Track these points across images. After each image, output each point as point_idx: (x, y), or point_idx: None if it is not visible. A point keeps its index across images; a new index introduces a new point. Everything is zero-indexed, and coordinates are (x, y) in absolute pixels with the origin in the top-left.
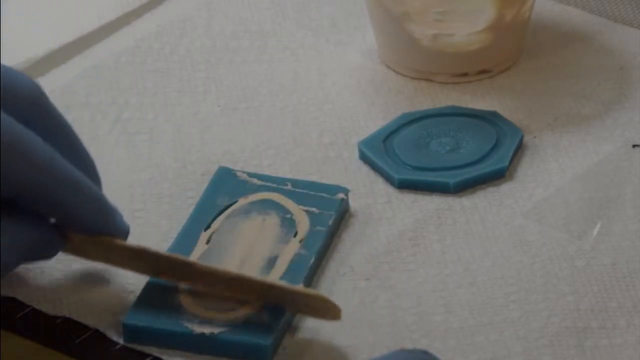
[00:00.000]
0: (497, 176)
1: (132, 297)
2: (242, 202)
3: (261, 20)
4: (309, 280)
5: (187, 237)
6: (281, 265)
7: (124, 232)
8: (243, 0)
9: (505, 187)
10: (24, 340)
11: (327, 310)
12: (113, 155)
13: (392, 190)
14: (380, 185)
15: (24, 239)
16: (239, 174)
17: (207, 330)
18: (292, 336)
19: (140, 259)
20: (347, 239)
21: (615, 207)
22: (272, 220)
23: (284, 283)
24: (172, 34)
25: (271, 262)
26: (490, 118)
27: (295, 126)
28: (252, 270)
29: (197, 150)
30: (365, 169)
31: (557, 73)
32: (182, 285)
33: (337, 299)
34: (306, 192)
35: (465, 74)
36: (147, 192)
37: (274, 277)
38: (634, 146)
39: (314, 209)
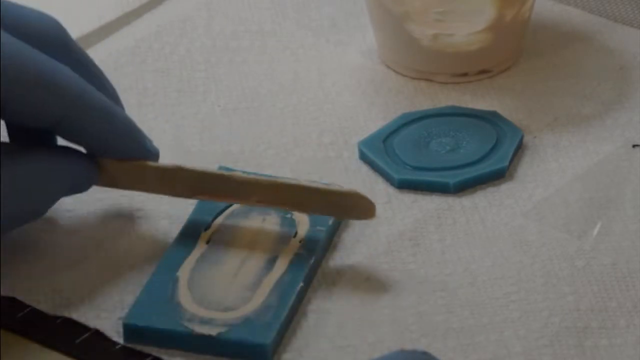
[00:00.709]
0: (497, 176)
1: (132, 297)
2: None
3: (261, 20)
4: (309, 280)
5: (187, 237)
6: (281, 265)
7: (156, 155)
8: (243, 0)
9: (505, 187)
10: (24, 340)
11: (362, 208)
12: None
13: (392, 190)
14: (380, 185)
15: (63, 171)
16: None
17: (207, 330)
18: (292, 336)
19: (175, 179)
20: (347, 239)
21: (615, 207)
22: (272, 220)
23: (318, 183)
24: (172, 34)
25: (271, 262)
26: (490, 118)
27: (295, 126)
28: (252, 270)
29: (197, 151)
30: (365, 169)
31: (557, 73)
32: (222, 202)
33: (337, 298)
34: None
35: (465, 74)
36: None
37: (274, 277)
38: (634, 146)
39: None
